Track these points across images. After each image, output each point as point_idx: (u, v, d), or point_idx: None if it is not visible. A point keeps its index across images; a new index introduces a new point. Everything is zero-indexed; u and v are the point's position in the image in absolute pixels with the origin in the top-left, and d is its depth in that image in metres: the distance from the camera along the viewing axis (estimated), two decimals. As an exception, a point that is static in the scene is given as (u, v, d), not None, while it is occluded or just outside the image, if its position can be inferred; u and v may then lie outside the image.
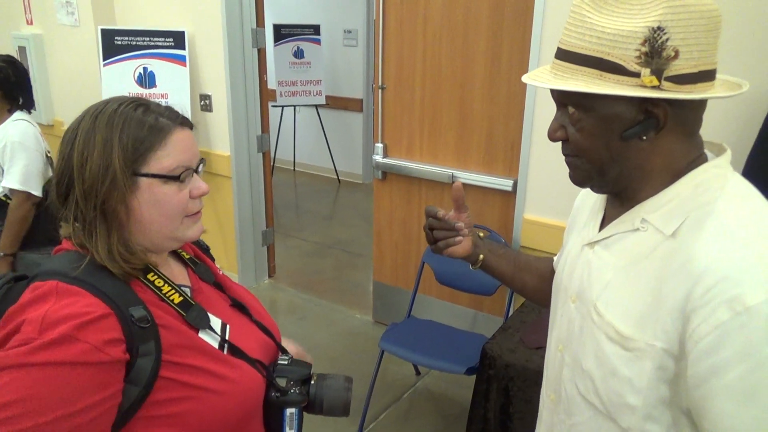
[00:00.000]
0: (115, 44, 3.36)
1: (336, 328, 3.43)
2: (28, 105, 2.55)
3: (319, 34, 5.84)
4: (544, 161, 2.48)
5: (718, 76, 0.81)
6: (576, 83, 0.79)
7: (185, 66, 3.34)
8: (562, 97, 0.85)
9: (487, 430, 2.05)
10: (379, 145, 3.12)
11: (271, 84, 5.07)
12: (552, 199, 2.50)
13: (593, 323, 0.89)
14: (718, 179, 0.83)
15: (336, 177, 6.40)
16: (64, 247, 0.96)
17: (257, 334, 1.09)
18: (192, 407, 0.89)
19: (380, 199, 3.24)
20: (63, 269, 0.88)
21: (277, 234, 3.93)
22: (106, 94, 3.35)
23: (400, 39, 2.92)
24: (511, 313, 2.54)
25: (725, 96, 0.79)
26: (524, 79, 0.87)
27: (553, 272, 1.11)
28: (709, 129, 0.88)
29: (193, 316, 0.96)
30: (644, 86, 0.76)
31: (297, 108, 6.25)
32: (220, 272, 1.18)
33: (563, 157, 0.90)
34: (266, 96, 3.49)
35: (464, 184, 2.82)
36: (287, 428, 1.01)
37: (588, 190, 0.97)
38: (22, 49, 4.13)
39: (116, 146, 0.89)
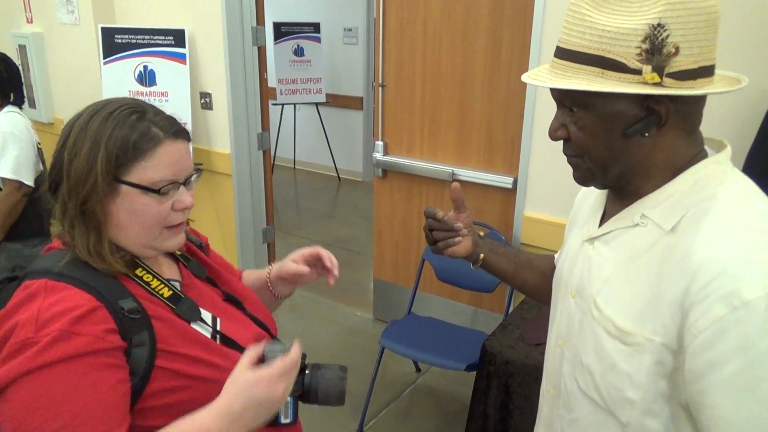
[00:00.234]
0: (116, 42, 3.36)
1: (336, 325, 3.44)
2: (19, 101, 2.58)
3: (319, 32, 5.84)
4: (544, 158, 2.48)
5: (716, 71, 0.81)
6: (578, 82, 0.79)
7: (185, 64, 3.34)
8: (562, 96, 0.85)
9: (487, 426, 2.06)
10: (380, 143, 3.12)
11: (272, 82, 5.07)
12: (552, 197, 2.51)
13: (593, 318, 0.90)
14: (717, 175, 0.83)
15: (336, 175, 6.40)
16: (54, 246, 0.97)
17: (251, 327, 1.09)
18: (187, 397, 0.90)
19: (380, 197, 3.24)
20: (51, 267, 0.89)
21: (278, 232, 3.93)
22: (107, 92, 3.35)
23: (400, 37, 2.92)
24: (511, 310, 2.55)
25: (726, 91, 0.80)
26: (524, 78, 0.87)
27: (553, 269, 1.12)
28: (709, 125, 0.89)
29: (184, 309, 0.97)
30: (646, 83, 0.76)
31: (297, 106, 6.25)
32: (222, 261, 1.18)
33: (563, 155, 0.91)
34: (266, 94, 3.49)
35: (464, 182, 2.83)
36: (282, 417, 1.01)
37: (589, 187, 0.97)
38: (22, 48, 4.13)
39: (102, 149, 0.89)
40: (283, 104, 6.00)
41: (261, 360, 0.92)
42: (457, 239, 1.13)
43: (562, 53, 0.82)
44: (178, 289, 1.00)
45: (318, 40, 5.85)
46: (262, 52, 3.39)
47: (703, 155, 0.86)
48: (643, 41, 0.75)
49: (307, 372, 1.06)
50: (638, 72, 0.76)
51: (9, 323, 0.84)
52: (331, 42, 6.00)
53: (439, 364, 2.38)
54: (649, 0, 0.76)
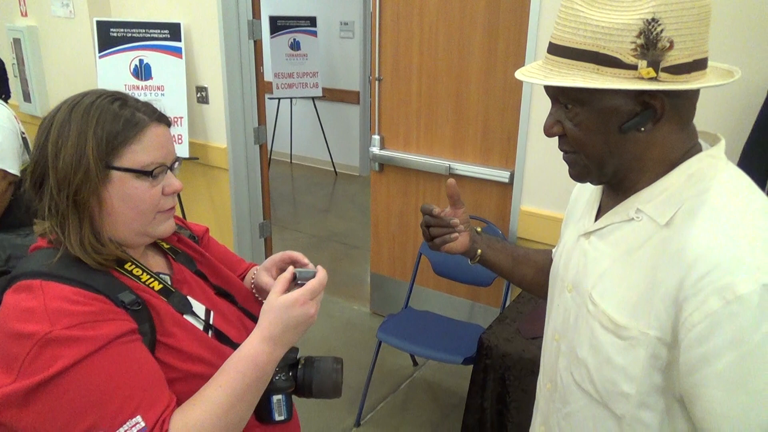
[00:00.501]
0: (111, 36, 3.34)
1: (333, 319, 3.44)
2: (4, 94, 2.56)
3: (315, 26, 5.82)
4: (541, 153, 2.48)
5: (708, 63, 0.82)
6: (573, 78, 0.79)
7: (181, 58, 3.33)
8: (558, 93, 0.86)
9: (483, 419, 2.07)
10: (376, 137, 3.12)
11: (268, 76, 5.05)
12: (549, 191, 2.51)
13: (588, 312, 0.90)
14: (711, 169, 0.84)
15: (333, 169, 6.39)
16: (39, 245, 0.96)
17: (244, 321, 1.09)
18: (180, 390, 0.90)
19: (377, 191, 3.25)
20: (41, 268, 0.88)
21: (274, 227, 3.93)
22: (102, 86, 3.34)
23: (396, 31, 2.91)
24: (507, 303, 2.56)
25: (721, 84, 0.80)
26: (518, 75, 0.86)
27: (551, 264, 1.12)
28: (704, 119, 0.89)
29: (175, 302, 0.97)
30: (642, 78, 0.76)
31: (293, 100, 6.23)
32: (221, 253, 1.18)
33: (560, 150, 0.91)
34: (263, 88, 3.48)
35: (461, 176, 2.83)
36: (276, 415, 1.01)
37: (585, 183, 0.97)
38: (16, 41, 4.11)
39: (90, 138, 0.89)
40: (279, 98, 5.99)
41: (291, 283, 0.98)
42: (453, 235, 1.13)
43: (555, 50, 0.82)
44: (169, 283, 1.00)
45: (314, 34, 5.83)
46: (258, 46, 3.37)
47: (698, 149, 0.87)
48: (638, 36, 0.75)
49: (300, 367, 1.06)
50: (633, 67, 0.76)
51: (10, 327, 0.82)
52: (327, 36, 5.98)
53: (436, 357, 2.39)
54: None
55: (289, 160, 6.75)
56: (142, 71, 3.38)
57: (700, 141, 0.88)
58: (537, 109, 2.44)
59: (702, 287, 0.74)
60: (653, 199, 0.85)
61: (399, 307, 2.83)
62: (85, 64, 3.73)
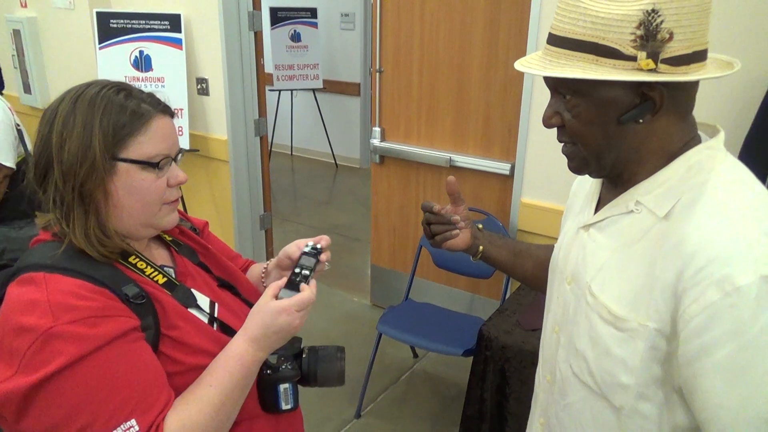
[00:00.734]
0: (111, 27, 3.33)
1: (334, 311, 3.45)
2: None
3: (316, 17, 5.79)
4: (541, 145, 2.48)
5: (708, 54, 0.82)
6: (573, 70, 0.79)
7: (181, 49, 3.32)
8: (557, 84, 0.85)
9: (483, 410, 2.08)
10: (377, 129, 3.12)
11: (268, 68, 5.04)
12: (549, 183, 2.51)
13: (587, 305, 0.91)
14: (710, 161, 0.83)
15: (334, 161, 6.39)
16: (41, 239, 0.95)
17: (247, 313, 1.09)
18: (184, 383, 0.91)
19: (378, 183, 3.24)
20: (45, 260, 0.88)
21: (275, 219, 3.94)
22: (103, 77, 3.32)
23: (397, 22, 2.90)
24: (507, 295, 2.57)
25: (720, 76, 0.80)
26: (517, 66, 0.86)
27: None
28: (705, 111, 0.89)
29: (179, 295, 0.97)
30: (641, 70, 0.76)
31: (294, 92, 6.22)
32: (221, 246, 1.18)
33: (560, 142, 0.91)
34: (263, 80, 3.47)
35: (462, 168, 2.83)
36: (282, 404, 1.02)
37: (585, 176, 0.97)
38: (16, 33, 4.09)
39: (96, 129, 0.88)
40: (280, 90, 5.97)
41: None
42: (454, 232, 1.13)
43: (555, 40, 0.82)
44: (173, 276, 1.00)
45: (315, 25, 5.81)
46: (258, 37, 3.36)
47: (697, 140, 0.86)
48: (638, 27, 0.74)
49: (304, 356, 1.07)
50: (633, 58, 0.76)
51: (15, 321, 0.81)
52: (328, 27, 5.95)
53: (437, 349, 2.40)
54: None
55: (289, 152, 6.75)
56: (143, 63, 3.37)
57: (700, 133, 0.88)
58: (538, 101, 2.44)
59: (701, 279, 0.75)
60: (652, 191, 0.85)
61: (399, 299, 2.84)
62: (85, 56, 3.73)
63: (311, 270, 1.04)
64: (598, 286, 0.89)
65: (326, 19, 5.91)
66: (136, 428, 0.81)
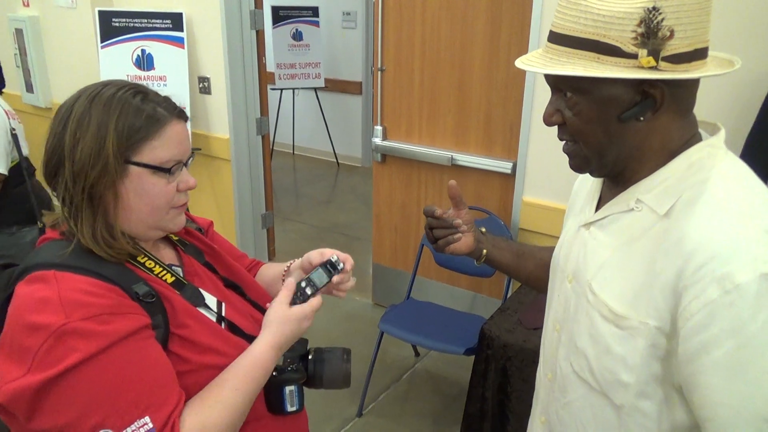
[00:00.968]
0: (113, 26, 3.34)
1: (335, 310, 3.45)
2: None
3: (317, 16, 5.79)
4: (543, 143, 2.48)
5: (709, 52, 0.81)
6: (573, 67, 0.79)
7: (183, 48, 3.32)
8: (557, 82, 0.85)
9: (485, 409, 2.08)
10: (379, 128, 3.12)
11: (270, 67, 5.05)
12: (551, 182, 2.51)
13: (588, 302, 0.91)
14: (711, 158, 0.83)
15: (335, 160, 6.39)
16: (48, 237, 0.95)
17: (253, 313, 1.10)
18: (193, 382, 0.91)
19: (379, 182, 3.24)
20: (54, 259, 0.87)
21: (276, 218, 3.94)
22: (105, 76, 3.34)
23: (399, 21, 2.90)
24: (509, 294, 2.56)
25: (721, 73, 0.79)
26: (518, 64, 0.86)
27: None
28: (706, 109, 0.89)
29: (188, 294, 0.97)
30: (642, 67, 0.76)
31: (296, 91, 6.22)
32: (226, 245, 1.18)
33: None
34: (265, 79, 3.48)
35: (463, 167, 2.83)
36: (288, 406, 1.02)
37: (586, 174, 0.97)
38: (18, 32, 4.10)
39: (111, 131, 0.88)
40: (281, 89, 5.97)
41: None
42: (457, 236, 1.13)
43: (556, 38, 0.82)
44: (181, 275, 1.00)
45: (317, 24, 5.81)
46: (260, 36, 3.37)
47: (698, 138, 0.86)
48: (639, 25, 0.74)
49: (310, 358, 1.07)
50: (634, 56, 0.76)
51: (27, 320, 0.81)
52: (329, 26, 5.95)
53: (438, 348, 2.40)
54: None
55: (291, 151, 6.75)
56: (144, 61, 3.37)
57: (700, 131, 0.88)
58: (540, 100, 2.43)
59: (701, 277, 0.75)
60: (653, 189, 0.85)
61: (401, 298, 2.84)
62: (87, 55, 3.73)
63: (316, 289, 1.06)
64: (598, 284, 0.89)
65: (328, 18, 5.91)
66: (150, 425, 0.81)
